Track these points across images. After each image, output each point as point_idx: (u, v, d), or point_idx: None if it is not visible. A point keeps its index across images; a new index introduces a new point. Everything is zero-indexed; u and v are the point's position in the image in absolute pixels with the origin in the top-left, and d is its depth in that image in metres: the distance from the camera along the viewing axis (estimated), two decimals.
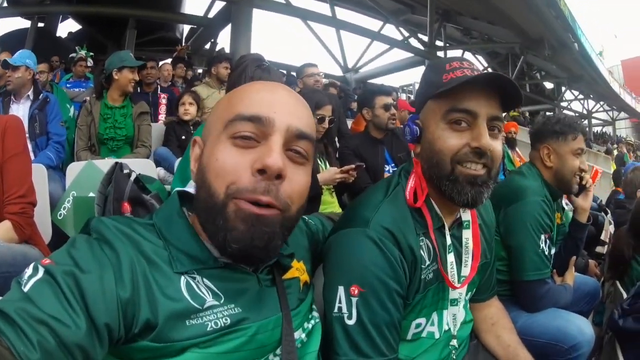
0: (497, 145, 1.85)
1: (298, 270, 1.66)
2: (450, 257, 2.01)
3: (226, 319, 1.33)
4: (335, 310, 1.74)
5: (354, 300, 1.72)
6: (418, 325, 2.00)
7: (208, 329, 1.29)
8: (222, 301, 1.34)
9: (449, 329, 2.11)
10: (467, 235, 2.09)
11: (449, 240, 2.01)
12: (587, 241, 4.91)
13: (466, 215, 2.10)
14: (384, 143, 5.68)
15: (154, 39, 21.49)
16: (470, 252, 2.09)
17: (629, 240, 4.04)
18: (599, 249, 6.18)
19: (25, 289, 1.12)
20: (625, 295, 3.39)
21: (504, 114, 1.94)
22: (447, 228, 2.01)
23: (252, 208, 1.30)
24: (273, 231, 1.34)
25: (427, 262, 1.93)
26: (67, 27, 22.70)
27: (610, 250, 4.70)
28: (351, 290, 1.72)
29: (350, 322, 1.72)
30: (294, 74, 11.14)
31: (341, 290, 1.74)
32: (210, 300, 1.32)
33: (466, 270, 2.07)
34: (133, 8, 17.95)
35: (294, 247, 1.67)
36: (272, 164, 1.29)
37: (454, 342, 2.13)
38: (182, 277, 1.32)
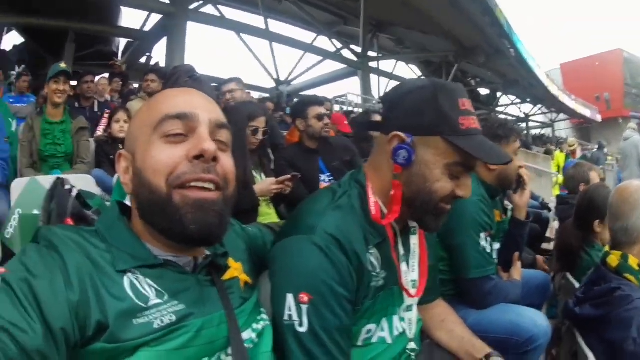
0: None
1: (237, 270, 1.70)
2: (403, 267, 2.05)
3: (171, 316, 1.36)
4: (286, 318, 1.74)
5: (304, 307, 1.72)
6: (369, 332, 1.98)
7: (155, 326, 1.32)
8: (165, 298, 1.38)
9: (401, 333, 2.10)
10: (414, 240, 2.12)
11: (402, 251, 2.04)
12: (533, 239, 5.06)
13: (412, 222, 2.11)
14: (319, 153, 5.67)
15: (91, 52, 21.11)
16: (417, 257, 2.11)
17: (576, 232, 4.16)
18: (545, 245, 6.31)
19: None
20: (577, 286, 3.44)
21: None
22: (399, 238, 2.03)
23: (197, 194, 1.42)
24: (221, 209, 1.46)
25: (378, 270, 1.93)
26: (13, 40, 22.37)
27: (557, 243, 4.82)
28: (300, 297, 1.72)
29: (302, 330, 1.72)
30: None
31: (290, 298, 1.74)
32: (154, 299, 1.36)
33: (414, 275, 2.09)
34: (72, 20, 17.72)
35: (231, 249, 1.72)
36: (208, 147, 1.43)
37: (412, 345, 2.14)
38: (125, 277, 1.36)
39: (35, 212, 3.48)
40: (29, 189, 4.01)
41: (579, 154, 20.71)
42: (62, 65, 6.06)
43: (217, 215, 1.45)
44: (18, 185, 4.37)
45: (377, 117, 2.41)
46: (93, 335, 1.24)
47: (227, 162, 1.52)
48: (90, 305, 1.25)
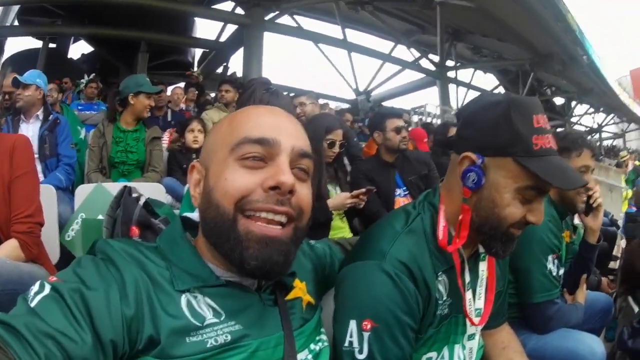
0: None
1: (301, 290, 1.66)
2: (469, 294, 1.98)
3: (226, 336, 1.34)
4: (346, 344, 1.72)
5: (366, 335, 1.69)
6: (428, 359, 1.96)
7: (208, 345, 1.31)
8: (222, 318, 1.36)
9: None
10: (483, 267, 2.05)
11: (468, 278, 1.97)
12: (600, 257, 4.89)
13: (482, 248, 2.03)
14: (396, 166, 5.62)
15: (165, 62, 21.60)
16: (484, 285, 2.05)
17: None
18: (611, 264, 6.12)
19: (32, 305, 1.16)
20: (636, 310, 3.38)
21: None
22: (467, 264, 1.96)
23: (262, 229, 1.35)
24: (288, 248, 1.39)
25: (444, 297, 1.89)
26: (80, 49, 22.90)
27: (622, 264, 4.62)
28: (363, 325, 1.69)
29: (361, 357, 1.69)
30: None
31: (353, 324, 1.72)
32: (210, 318, 1.34)
33: (480, 303, 2.03)
34: (144, 31, 18.13)
35: (296, 267, 1.66)
36: (286, 180, 1.35)
37: None
38: (183, 296, 1.35)
39: (100, 217, 3.54)
40: (94, 195, 4.19)
41: (630, 166, 20.37)
42: (148, 80, 6.35)
43: (283, 254, 1.40)
44: (83, 191, 4.46)
45: (454, 130, 2.37)
46: (143, 348, 1.25)
47: (304, 192, 1.47)
48: (144, 320, 1.26)
